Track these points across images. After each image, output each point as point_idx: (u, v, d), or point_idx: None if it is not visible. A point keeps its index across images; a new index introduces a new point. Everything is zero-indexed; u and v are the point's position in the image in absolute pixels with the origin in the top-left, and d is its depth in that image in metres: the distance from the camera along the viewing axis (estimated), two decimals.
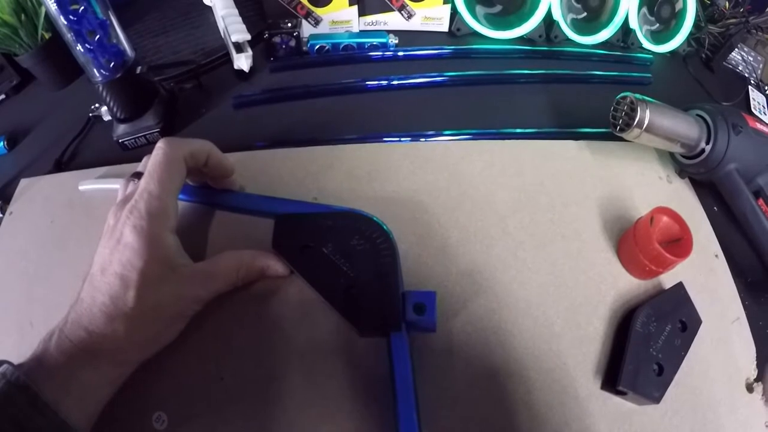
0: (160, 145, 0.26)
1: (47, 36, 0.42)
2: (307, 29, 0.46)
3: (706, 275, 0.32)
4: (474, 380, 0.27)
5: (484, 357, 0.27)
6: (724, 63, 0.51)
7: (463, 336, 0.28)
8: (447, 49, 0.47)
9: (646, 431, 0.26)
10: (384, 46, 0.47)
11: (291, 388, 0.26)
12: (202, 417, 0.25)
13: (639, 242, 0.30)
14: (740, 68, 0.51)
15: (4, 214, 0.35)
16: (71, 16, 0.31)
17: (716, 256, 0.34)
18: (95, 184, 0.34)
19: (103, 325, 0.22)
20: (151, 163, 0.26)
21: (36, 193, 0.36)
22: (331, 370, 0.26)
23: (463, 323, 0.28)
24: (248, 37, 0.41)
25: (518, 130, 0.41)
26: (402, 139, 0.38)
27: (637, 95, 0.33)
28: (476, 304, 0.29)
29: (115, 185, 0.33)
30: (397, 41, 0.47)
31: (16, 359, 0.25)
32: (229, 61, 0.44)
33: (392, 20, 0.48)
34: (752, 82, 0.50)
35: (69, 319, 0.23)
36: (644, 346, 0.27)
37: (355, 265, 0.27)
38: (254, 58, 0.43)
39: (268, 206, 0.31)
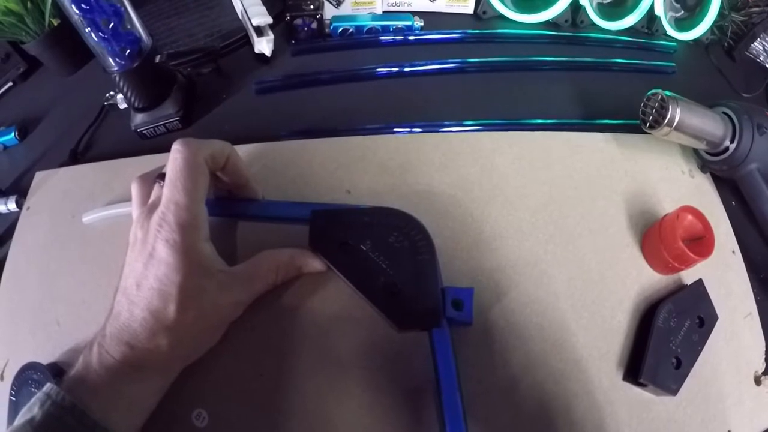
0: (177, 148, 0.24)
1: (55, 22, 0.39)
2: (329, 11, 0.44)
3: (723, 270, 0.34)
4: (506, 371, 0.28)
5: (516, 349, 0.28)
6: (746, 52, 0.50)
7: (496, 330, 0.29)
8: (471, 33, 0.46)
9: (662, 419, 0.28)
10: (409, 29, 0.45)
11: (330, 383, 0.26)
12: (242, 413, 0.26)
13: (664, 240, 0.31)
14: (761, 58, 0.50)
15: (20, 208, 0.34)
16: (83, 5, 0.29)
17: (733, 252, 0.35)
18: (100, 213, 0.32)
19: (145, 340, 0.22)
20: (171, 170, 0.24)
21: (53, 186, 0.34)
22: (370, 364, 0.27)
23: (496, 317, 0.29)
24: (270, 20, 0.39)
25: (539, 121, 0.40)
26: (425, 129, 0.38)
27: (667, 92, 0.33)
28: (509, 299, 0.30)
29: (122, 209, 0.31)
30: (422, 24, 0.45)
31: (44, 359, 0.25)
32: (248, 43, 0.42)
33: (416, 1, 0.46)
34: None
35: (107, 333, 0.22)
36: (665, 340, 0.29)
37: (394, 262, 0.27)
38: (274, 40, 0.41)
39: (297, 212, 0.29)
